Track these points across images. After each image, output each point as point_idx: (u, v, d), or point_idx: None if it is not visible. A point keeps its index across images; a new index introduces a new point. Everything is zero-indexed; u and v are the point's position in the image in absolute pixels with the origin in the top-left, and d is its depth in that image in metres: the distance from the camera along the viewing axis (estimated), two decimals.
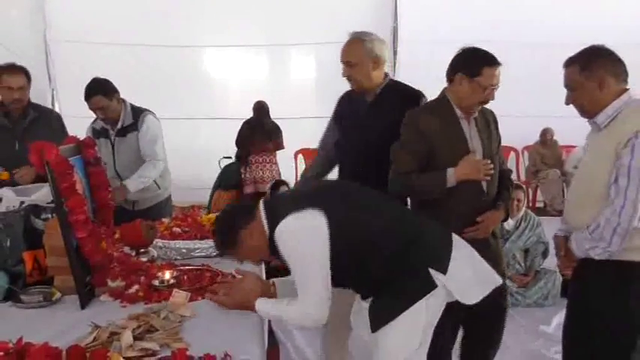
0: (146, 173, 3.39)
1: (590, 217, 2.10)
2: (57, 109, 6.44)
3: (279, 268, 4.70)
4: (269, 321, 3.82)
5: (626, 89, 2.12)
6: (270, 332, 3.69)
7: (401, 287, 1.84)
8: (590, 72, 2.10)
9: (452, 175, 2.30)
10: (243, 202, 2.07)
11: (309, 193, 2.02)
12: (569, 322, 2.34)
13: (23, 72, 3.27)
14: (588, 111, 2.16)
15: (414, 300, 1.82)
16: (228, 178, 6.27)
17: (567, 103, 2.21)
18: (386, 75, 2.64)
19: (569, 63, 2.17)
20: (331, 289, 1.82)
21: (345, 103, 2.77)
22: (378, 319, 1.88)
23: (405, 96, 2.61)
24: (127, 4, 7.02)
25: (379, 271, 1.86)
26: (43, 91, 6.96)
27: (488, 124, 2.50)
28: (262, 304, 1.88)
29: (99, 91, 3.27)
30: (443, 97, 2.43)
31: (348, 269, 1.84)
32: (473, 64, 2.33)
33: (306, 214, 1.77)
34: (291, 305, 1.82)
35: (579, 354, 2.27)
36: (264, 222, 1.83)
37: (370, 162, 2.54)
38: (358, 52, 2.54)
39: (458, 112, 2.39)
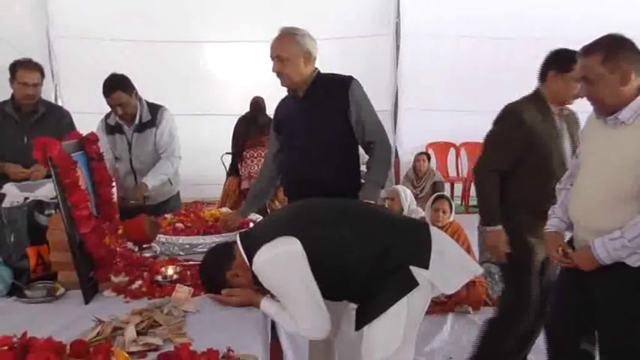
0: (164, 170, 3.40)
1: (616, 219, 1.96)
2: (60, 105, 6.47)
3: None
4: None
5: None
6: (273, 326, 3.69)
7: (383, 288, 1.85)
8: (614, 64, 1.93)
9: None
10: (221, 245, 2.11)
11: (280, 220, 2.03)
12: (567, 312, 2.25)
13: (38, 69, 3.31)
14: (608, 106, 1.99)
15: (395, 299, 1.82)
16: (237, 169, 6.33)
17: (582, 96, 2.07)
18: (315, 69, 2.57)
19: (589, 52, 1.99)
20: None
21: (282, 109, 2.72)
22: (361, 319, 1.90)
23: (334, 84, 2.55)
24: (130, 0, 7.02)
25: (361, 280, 1.87)
26: (46, 87, 6.93)
27: (576, 125, 2.64)
28: (267, 306, 1.89)
29: (120, 86, 3.26)
30: (537, 94, 2.57)
31: (331, 285, 1.85)
32: (564, 61, 2.45)
33: (278, 241, 1.79)
34: (292, 320, 1.83)
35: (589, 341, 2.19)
36: (245, 258, 1.85)
37: (313, 156, 2.51)
38: (290, 46, 2.47)
39: (552, 108, 2.54)
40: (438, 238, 1.93)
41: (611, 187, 1.99)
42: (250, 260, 1.82)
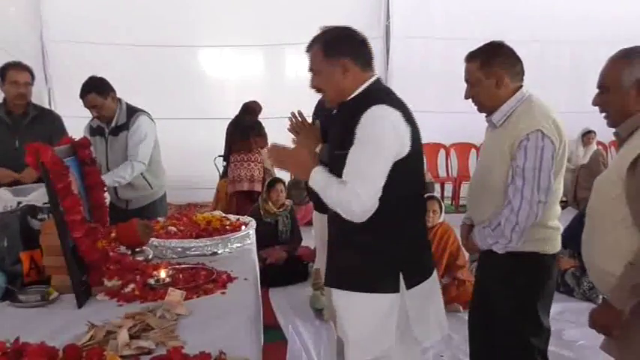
0: (121, 173, 3.41)
1: (487, 210, 2.25)
2: (53, 109, 6.46)
3: (274, 265, 4.73)
4: (275, 318, 3.89)
5: (521, 86, 2.23)
6: (278, 328, 3.75)
7: (370, 269, 1.88)
8: (489, 69, 2.18)
9: None
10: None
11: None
12: (473, 305, 2.55)
13: (28, 70, 3.36)
14: (486, 107, 2.26)
15: (372, 289, 1.86)
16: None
17: (466, 97, 2.30)
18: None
19: (470, 58, 2.25)
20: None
21: (319, 106, 2.55)
22: (334, 278, 1.96)
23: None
24: (124, 4, 7.04)
25: (386, 217, 1.82)
26: (40, 90, 6.95)
27: None
28: (318, 172, 1.85)
29: (93, 89, 3.32)
30: None
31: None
32: None
33: (403, 118, 1.79)
34: (343, 184, 1.77)
35: (482, 333, 2.45)
36: (367, 83, 1.87)
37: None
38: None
39: None
40: (433, 283, 2.01)
41: (485, 183, 2.28)
42: (365, 99, 1.82)
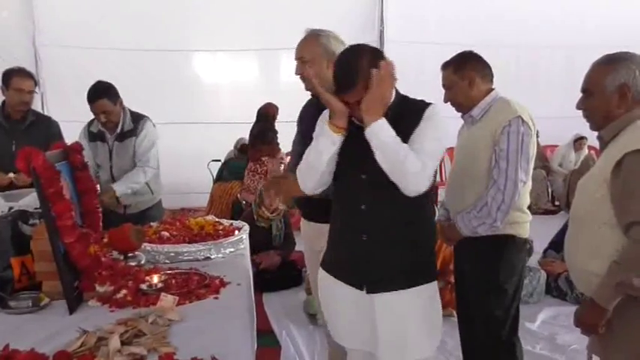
0: (135, 179, 3.41)
1: (470, 197, 2.42)
2: (45, 113, 6.44)
3: (268, 270, 4.72)
4: (269, 323, 3.88)
5: (493, 88, 2.50)
6: (272, 333, 3.75)
7: (424, 260, 2.00)
8: (462, 72, 2.46)
9: None
10: None
11: None
12: (457, 299, 2.70)
13: (32, 77, 3.38)
14: (464, 107, 2.51)
15: (429, 278, 1.98)
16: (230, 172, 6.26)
17: (445, 101, 2.53)
18: None
19: (446, 66, 2.53)
20: None
21: (306, 114, 2.58)
22: (391, 280, 1.95)
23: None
24: (117, 9, 7.03)
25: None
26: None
27: None
28: (385, 127, 1.79)
29: (105, 94, 3.29)
30: None
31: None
32: None
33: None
34: (413, 151, 1.78)
35: (467, 313, 2.60)
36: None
37: None
38: (313, 48, 2.41)
39: None
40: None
41: (468, 171, 2.47)
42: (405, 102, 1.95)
